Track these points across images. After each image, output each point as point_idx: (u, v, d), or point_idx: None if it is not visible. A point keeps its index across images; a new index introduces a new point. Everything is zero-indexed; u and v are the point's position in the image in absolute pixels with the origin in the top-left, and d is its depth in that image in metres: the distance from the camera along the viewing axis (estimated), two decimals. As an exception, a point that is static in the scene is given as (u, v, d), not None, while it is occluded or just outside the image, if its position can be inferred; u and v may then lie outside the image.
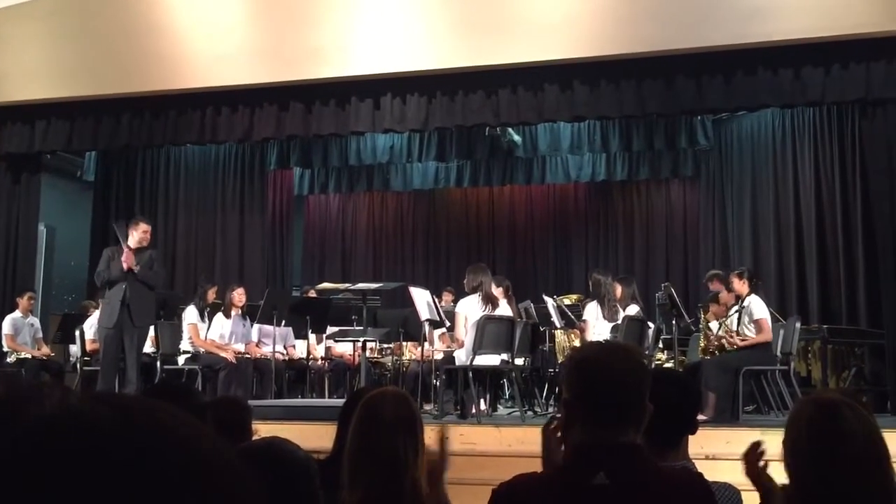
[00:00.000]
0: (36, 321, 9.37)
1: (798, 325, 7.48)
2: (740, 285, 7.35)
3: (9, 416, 0.44)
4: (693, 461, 2.44)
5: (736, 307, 7.45)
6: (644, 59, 7.70)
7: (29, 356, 8.92)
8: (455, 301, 8.68)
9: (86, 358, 8.46)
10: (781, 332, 7.30)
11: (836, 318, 8.96)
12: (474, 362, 6.85)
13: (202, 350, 8.47)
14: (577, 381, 1.83)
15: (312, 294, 9.56)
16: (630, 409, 1.79)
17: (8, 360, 8.87)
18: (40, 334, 9.35)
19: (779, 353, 7.14)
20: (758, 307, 7.17)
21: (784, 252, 9.79)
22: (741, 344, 7.16)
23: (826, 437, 1.86)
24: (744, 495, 2.51)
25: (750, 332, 7.19)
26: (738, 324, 7.29)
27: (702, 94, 7.70)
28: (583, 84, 7.88)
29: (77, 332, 8.57)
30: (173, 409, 0.51)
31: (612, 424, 1.77)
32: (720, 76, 7.60)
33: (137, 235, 7.50)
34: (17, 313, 9.04)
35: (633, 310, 7.48)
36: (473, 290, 7.23)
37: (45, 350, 9.23)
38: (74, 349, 8.87)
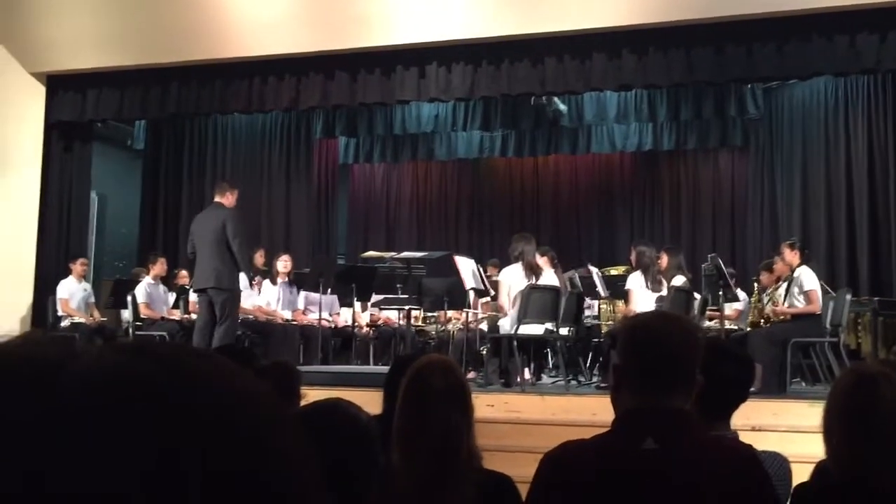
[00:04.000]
0: (89, 287, 9.55)
1: (848, 297, 7.37)
2: (791, 256, 7.26)
3: (52, 375, 0.44)
4: (737, 432, 2.43)
5: (786, 278, 7.36)
6: (693, 26, 7.58)
7: (83, 321, 9.11)
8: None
9: (137, 323, 8.64)
10: (831, 303, 7.20)
11: (886, 290, 8.82)
12: (519, 331, 6.87)
13: (250, 316, 8.59)
14: (631, 348, 1.84)
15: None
16: (680, 378, 1.79)
17: (62, 324, 9.07)
18: (92, 299, 9.54)
19: (828, 326, 7.05)
20: (808, 278, 7.07)
21: (835, 223, 9.63)
22: (789, 311, 7.09)
23: (860, 407, 1.84)
24: (792, 466, 2.51)
25: (799, 304, 7.11)
26: (787, 295, 7.21)
27: (752, 61, 7.55)
28: (631, 52, 7.78)
29: (129, 298, 8.74)
30: (218, 359, 0.48)
31: (662, 392, 1.78)
32: (772, 43, 7.44)
33: (232, 198, 7.62)
34: (72, 279, 9.23)
35: (679, 280, 7.42)
36: (516, 260, 7.23)
37: (97, 315, 9.42)
38: (126, 314, 9.05)
